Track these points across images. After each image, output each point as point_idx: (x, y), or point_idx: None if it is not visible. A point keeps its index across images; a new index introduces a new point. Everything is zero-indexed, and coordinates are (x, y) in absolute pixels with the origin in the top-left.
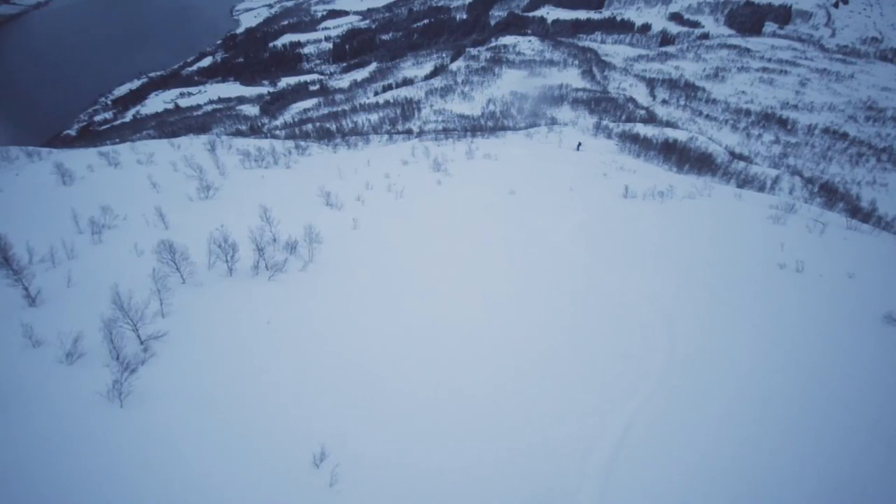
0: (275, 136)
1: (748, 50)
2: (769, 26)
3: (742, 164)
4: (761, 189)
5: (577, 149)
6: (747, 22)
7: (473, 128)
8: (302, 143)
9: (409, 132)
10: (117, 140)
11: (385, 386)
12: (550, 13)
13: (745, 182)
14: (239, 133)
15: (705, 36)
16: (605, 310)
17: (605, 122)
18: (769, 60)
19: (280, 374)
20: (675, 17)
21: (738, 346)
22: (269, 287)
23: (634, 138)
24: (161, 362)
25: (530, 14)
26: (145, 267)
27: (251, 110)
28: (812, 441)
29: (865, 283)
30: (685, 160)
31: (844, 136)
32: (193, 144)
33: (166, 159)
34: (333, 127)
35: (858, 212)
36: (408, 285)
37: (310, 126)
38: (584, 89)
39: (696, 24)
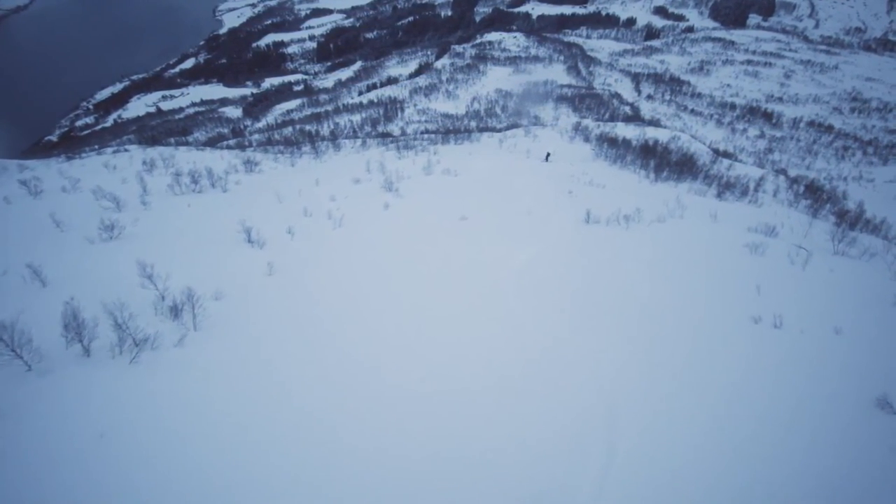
0: (249, 144)
1: (733, 43)
2: (753, 18)
3: (726, 164)
4: (744, 193)
5: (546, 159)
6: (731, 14)
7: (454, 129)
8: (255, 157)
9: (388, 135)
10: (96, 146)
11: None
12: (535, 8)
13: (726, 187)
14: (220, 137)
15: (690, 29)
16: (530, 396)
17: (584, 123)
18: (754, 53)
19: None
20: (660, 11)
21: (696, 449)
22: (127, 374)
23: (612, 142)
24: None
25: (515, 10)
26: None
27: (234, 112)
28: None
29: (853, 342)
30: (664, 164)
31: (830, 128)
32: (132, 163)
33: (93, 185)
34: (314, 129)
35: (846, 214)
36: (319, 356)
37: (289, 129)
38: (569, 85)
39: (680, 18)
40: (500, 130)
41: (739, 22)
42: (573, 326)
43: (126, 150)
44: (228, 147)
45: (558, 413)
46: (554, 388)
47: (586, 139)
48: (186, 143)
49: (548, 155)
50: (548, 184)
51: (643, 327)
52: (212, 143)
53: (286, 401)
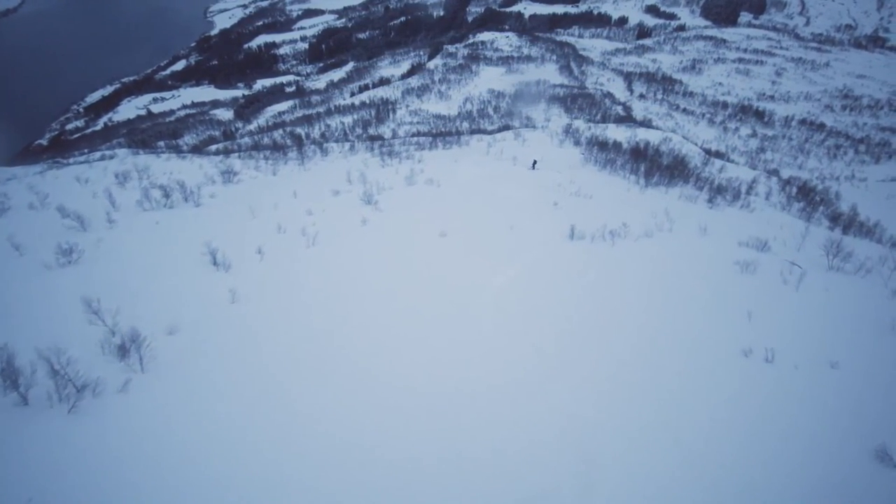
0: (238, 147)
1: (724, 41)
2: (744, 16)
3: (718, 165)
4: (736, 197)
5: (533, 167)
6: (723, 12)
7: (445, 132)
8: (235, 166)
9: (379, 138)
10: (86, 150)
11: None
12: (528, 8)
13: (718, 191)
14: (211, 140)
15: (681, 28)
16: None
17: (575, 125)
18: (745, 51)
19: None
20: (652, 10)
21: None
22: (64, 425)
23: (603, 146)
24: None
25: (507, 9)
26: None
27: (225, 114)
28: None
29: (850, 379)
30: (655, 168)
31: (821, 126)
32: (106, 175)
33: (62, 201)
34: (304, 132)
35: (839, 218)
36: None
37: (278, 133)
38: (561, 85)
39: (672, 16)
40: (490, 133)
41: (731, 20)
42: (547, 371)
43: (115, 154)
44: (217, 151)
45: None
46: (527, 440)
47: (576, 142)
48: (176, 147)
49: (534, 163)
50: (533, 194)
51: (623, 364)
52: (203, 145)
53: (236, 456)
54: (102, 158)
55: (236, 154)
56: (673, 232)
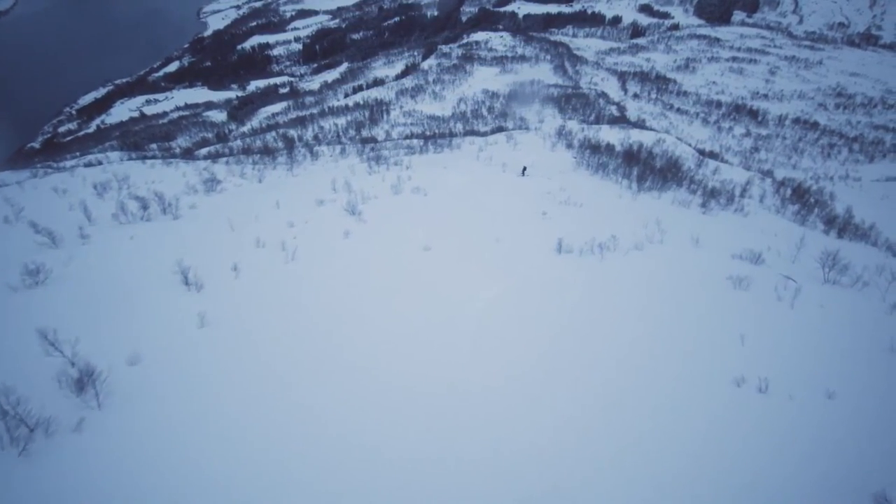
0: (230, 151)
1: (718, 40)
2: (738, 15)
3: (712, 167)
4: (730, 200)
5: (523, 173)
6: (716, 11)
7: (438, 133)
8: (220, 173)
9: (372, 140)
10: (77, 153)
11: None
12: (521, 8)
13: (712, 195)
14: (205, 142)
15: (675, 27)
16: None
17: (569, 126)
18: (738, 50)
19: None
20: (645, 9)
21: None
22: (14, 469)
23: (595, 148)
24: None
25: (501, 9)
26: None
27: (219, 116)
28: None
29: (848, 410)
30: (648, 171)
31: (815, 125)
32: (85, 186)
33: (35, 214)
34: (297, 134)
35: (834, 220)
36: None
37: (271, 135)
38: (556, 85)
39: (665, 15)
40: (483, 134)
41: (724, 19)
42: (526, 401)
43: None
44: (207, 155)
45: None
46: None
47: (569, 145)
48: (169, 149)
49: (524, 169)
50: (521, 203)
51: (603, 401)
52: (196, 147)
53: (192, 500)
54: (89, 165)
55: (225, 159)
56: (664, 244)
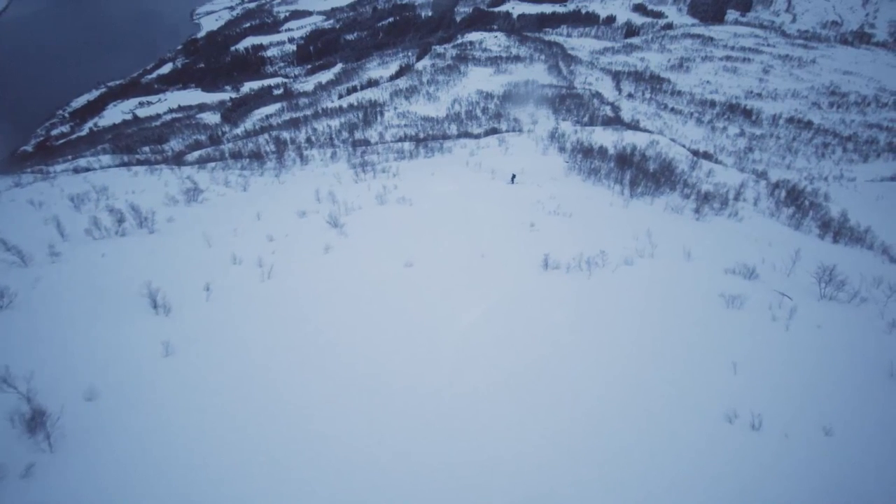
0: (221, 155)
1: (711, 39)
2: (731, 14)
3: (706, 169)
4: (724, 204)
5: (512, 181)
6: (710, 10)
7: (431, 136)
8: (201, 182)
9: (365, 142)
10: (69, 157)
11: None
12: (516, 8)
13: (705, 199)
14: (198, 144)
15: (669, 26)
16: None
17: (562, 129)
18: (732, 49)
19: None
20: (639, 8)
21: None
22: None
23: (588, 152)
24: None
25: (496, 9)
26: None
27: (212, 118)
28: None
29: (846, 449)
30: (641, 176)
31: (809, 124)
32: (63, 197)
33: (7, 229)
34: (290, 137)
35: (830, 224)
36: None
37: (263, 138)
38: (550, 85)
39: (659, 15)
40: (476, 137)
41: (718, 18)
42: (507, 435)
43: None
44: (196, 160)
45: None
46: None
47: (561, 149)
48: (162, 152)
49: (513, 177)
50: (509, 214)
51: (585, 433)
52: (189, 150)
53: None
54: (77, 171)
55: (213, 164)
56: (655, 257)
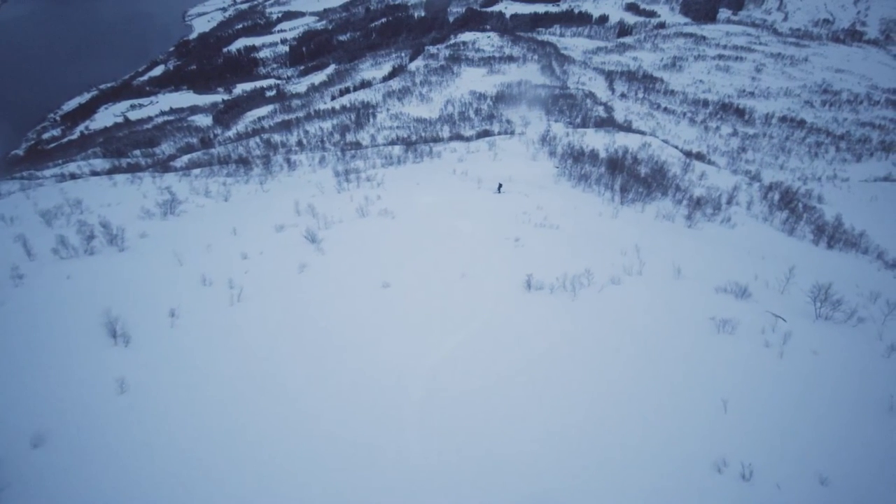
0: (210, 160)
1: (704, 38)
2: (723, 13)
3: (698, 172)
4: (717, 209)
5: (498, 190)
6: (702, 9)
7: (422, 138)
8: (180, 193)
9: (357, 145)
10: (60, 161)
11: None
12: (508, 8)
13: (697, 204)
14: (189, 147)
15: (662, 25)
16: None
17: (554, 131)
18: (725, 47)
19: None
20: (632, 8)
21: None
22: None
23: (578, 156)
24: None
25: (489, 9)
26: None
27: (204, 120)
28: None
29: (844, 501)
30: (632, 180)
31: (802, 123)
32: (33, 214)
33: None
34: (281, 140)
35: (824, 228)
36: None
37: (254, 141)
38: (543, 85)
39: (652, 14)
40: (468, 139)
41: (710, 16)
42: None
43: (89, 165)
44: (183, 166)
45: None
46: None
47: (552, 153)
48: (153, 156)
49: (500, 186)
50: (493, 228)
51: (561, 489)
52: (180, 153)
53: None
54: (62, 179)
55: (198, 171)
56: (643, 275)
